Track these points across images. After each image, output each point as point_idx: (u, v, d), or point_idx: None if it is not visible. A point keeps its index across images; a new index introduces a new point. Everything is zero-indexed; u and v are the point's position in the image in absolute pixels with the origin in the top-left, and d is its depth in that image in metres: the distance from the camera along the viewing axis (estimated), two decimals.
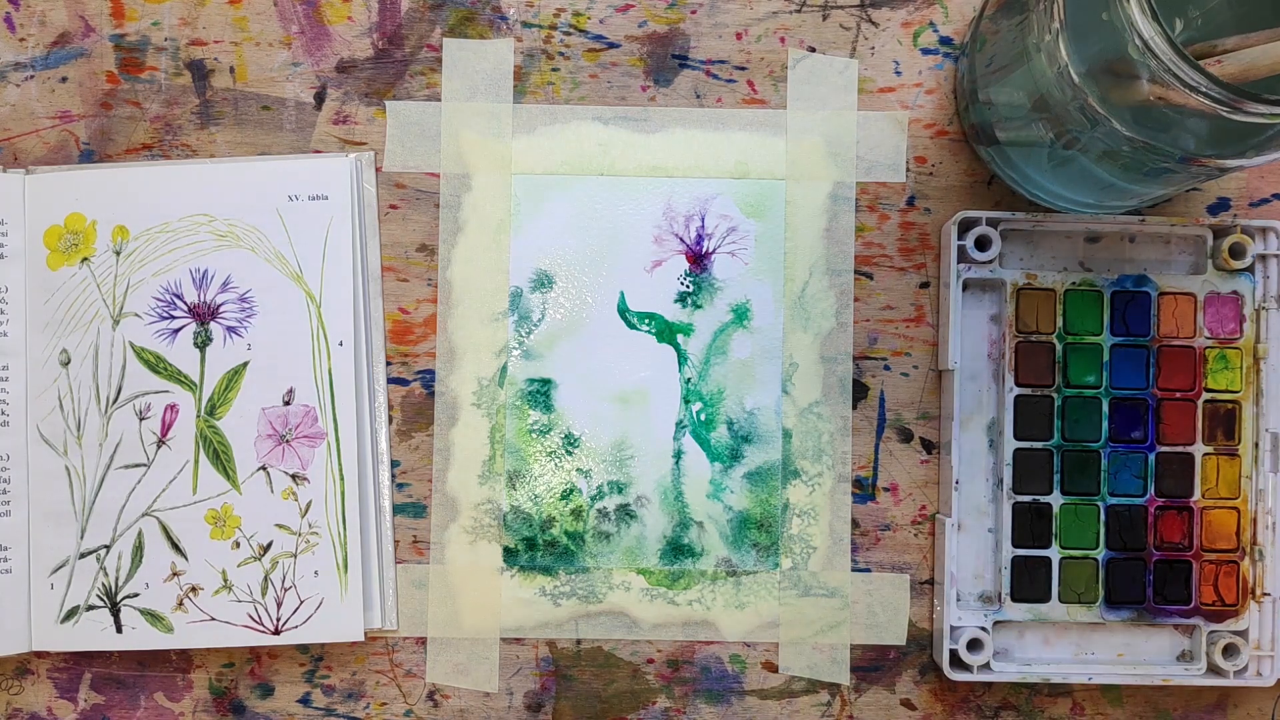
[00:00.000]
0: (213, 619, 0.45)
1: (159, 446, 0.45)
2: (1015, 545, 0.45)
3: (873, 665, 0.46)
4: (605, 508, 0.46)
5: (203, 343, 0.45)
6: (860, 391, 0.46)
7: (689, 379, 0.46)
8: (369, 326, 0.46)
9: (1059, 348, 0.45)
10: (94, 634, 0.45)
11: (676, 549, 0.46)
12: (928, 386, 0.46)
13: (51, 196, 0.45)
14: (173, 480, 0.45)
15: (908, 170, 0.46)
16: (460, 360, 0.46)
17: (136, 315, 0.45)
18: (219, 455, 0.45)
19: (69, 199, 0.45)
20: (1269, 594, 0.45)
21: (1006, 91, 0.41)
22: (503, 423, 0.46)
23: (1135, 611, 0.45)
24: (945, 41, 0.46)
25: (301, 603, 0.45)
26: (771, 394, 0.46)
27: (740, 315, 0.46)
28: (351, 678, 0.46)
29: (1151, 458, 0.45)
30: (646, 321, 0.46)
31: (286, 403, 0.45)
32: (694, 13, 0.46)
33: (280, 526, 0.45)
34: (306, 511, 0.45)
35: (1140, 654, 0.45)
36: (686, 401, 0.46)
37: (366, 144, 0.46)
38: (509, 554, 0.46)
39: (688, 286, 0.46)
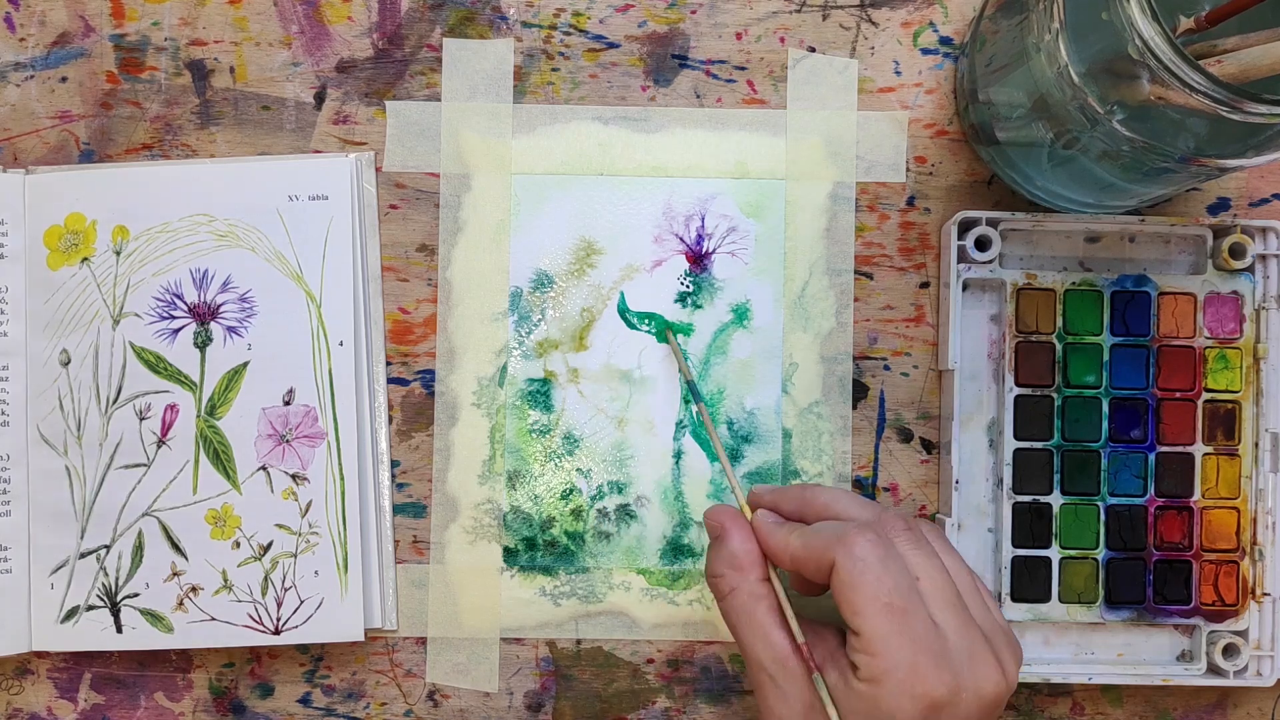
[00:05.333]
0: (213, 619, 0.45)
1: (159, 446, 0.45)
2: (1015, 545, 0.45)
3: None
4: (605, 508, 0.46)
5: (203, 343, 0.45)
6: (860, 391, 0.46)
7: (689, 379, 0.46)
8: (369, 326, 0.46)
9: (1059, 348, 0.45)
10: (94, 634, 0.45)
11: (676, 549, 0.46)
12: (928, 386, 0.46)
13: (51, 196, 0.45)
14: (173, 480, 0.45)
15: (908, 170, 0.46)
16: (460, 360, 0.46)
17: (136, 315, 0.45)
18: (219, 455, 0.45)
19: (69, 199, 0.45)
20: (1269, 594, 0.45)
21: (1006, 91, 0.41)
22: (503, 423, 0.46)
23: (1135, 611, 0.45)
24: (945, 41, 0.46)
25: (301, 603, 0.45)
26: (771, 394, 0.46)
27: (740, 315, 0.46)
28: (351, 678, 0.46)
29: (1151, 458, 0.45)
30: (646, 321, 0.46)
31: (286, 403, 0.45)
32: (694, 13, 0.46)
33: (280, 526, 0.45)
34: (306, 511, 0.45)
35: (1140, 654, 0.45)
36: (686, 402, 0.46)
37: (366, 144, 0.46)
38: (509, 554, 0.46)
39: (688, 286, 0.46)
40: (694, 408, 0.46)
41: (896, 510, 0.39)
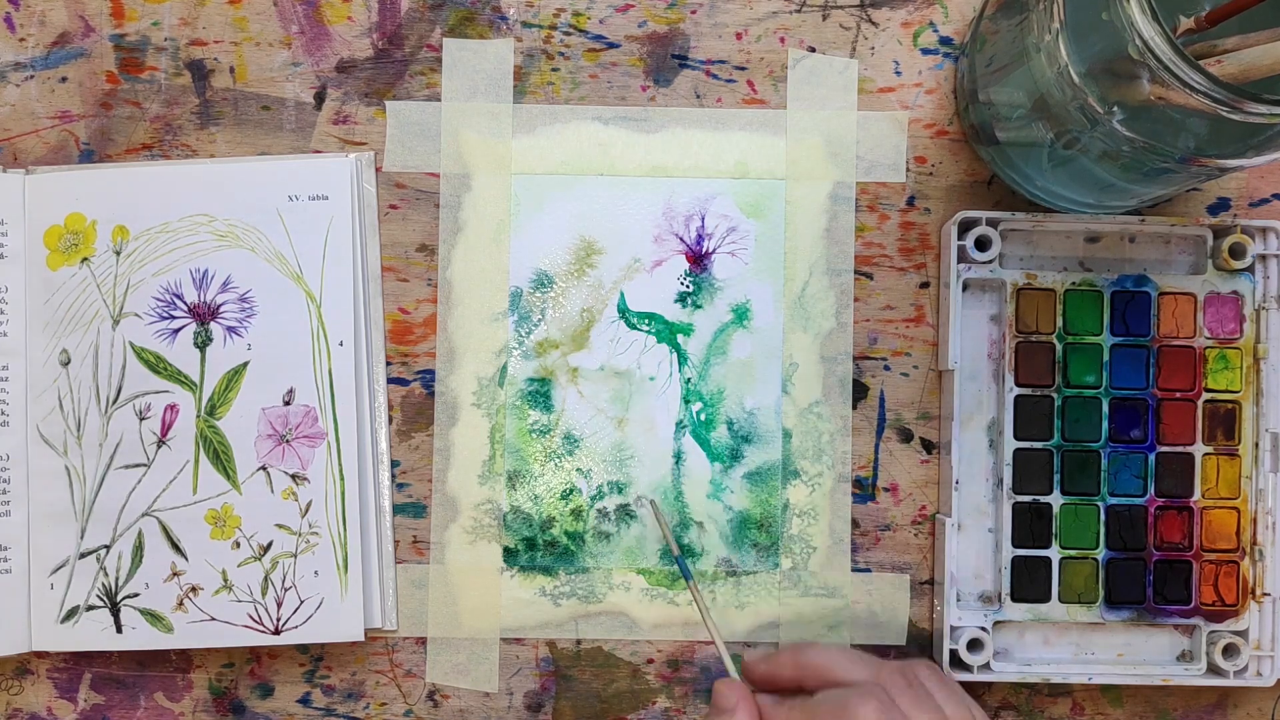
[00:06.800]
0: (213, 619, 0.45)
1: (159, 446, 0.45)
2: (1015, 545, 0.45)
3: None
4: (605, 508, 0.46)
5: (203, 343, 0.45)
6: (860, 391, 0.46)
7: (689, 379, 0.46)
8: (369, 326, 0.46)
9: (1059, 348, 0.45)
10: (94, 634, 0.45)
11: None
12: (928, 386, 0.46)
13: (51, 196, 0.45)
14: (173, 480, 0.45)
15: (908, 170, 0.46)
16: (460, 360, 0.46)
17: (136, 315, 0.45)
18: (219, 455, 0.45)
19: (69, 199, 0.45)
20: (1269, 594, 0.45)
21: (1006, 91, 0.41)
22: (503, 423, 0.46)
23: (1135, 611, 0.45)
24: (945, 41, 0.46)
25: (301, 603, 0.45)
26: (771, 394, 0.46)
27: (740, 315, 0.46)
28: (351, 678, 0.46)
29: (1151, 458, 0.45)
30: (646, 322, 0.46)
31: (286, 403, 0.45)
32: (694, 13, 0.46)
33: (280, 526, 0.45)
34: (306, 511, 0.45)
35: (1140, 654, 0.45)
36: (686, 401, 0.46)
37: (366, 144, 0.46)
38: (509, 554, 0.46)
39: (688, 286, 0.46)
40: (694, 407, 0.46)
41: (894, 665, 0.39)
